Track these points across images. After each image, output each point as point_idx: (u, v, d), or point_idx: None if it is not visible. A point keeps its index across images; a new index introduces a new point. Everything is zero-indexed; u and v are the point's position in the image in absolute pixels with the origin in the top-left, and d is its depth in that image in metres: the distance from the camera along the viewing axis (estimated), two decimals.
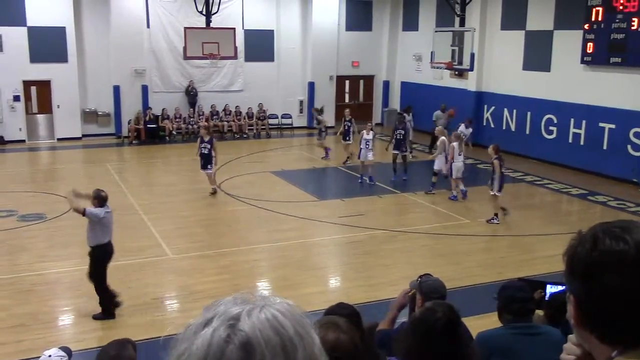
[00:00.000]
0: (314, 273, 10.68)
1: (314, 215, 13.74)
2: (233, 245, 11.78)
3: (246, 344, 0.94)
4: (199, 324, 1.00)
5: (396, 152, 16.60)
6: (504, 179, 13.36)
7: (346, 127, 18.38)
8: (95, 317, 8.65)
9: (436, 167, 15.46)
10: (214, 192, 15.11)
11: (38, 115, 21.87)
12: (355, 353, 2.52)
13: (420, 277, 4.63)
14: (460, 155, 14.73)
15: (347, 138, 18.41)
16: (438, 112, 20.41)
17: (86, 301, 9.11)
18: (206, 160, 15.07)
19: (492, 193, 13.14)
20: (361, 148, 16.27)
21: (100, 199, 8.59)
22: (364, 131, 16.35)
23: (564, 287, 1.32)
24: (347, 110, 19.54)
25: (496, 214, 13.17)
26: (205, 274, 10.35)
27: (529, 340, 3.99)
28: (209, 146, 15.04)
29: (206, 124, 18.71)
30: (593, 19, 16.90)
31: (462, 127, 18.48)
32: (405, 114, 19.62)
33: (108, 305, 8.71)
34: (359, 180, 16.47)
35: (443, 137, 15.49)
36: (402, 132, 16.68)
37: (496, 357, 3.97)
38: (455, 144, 14.76)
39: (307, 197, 15.26)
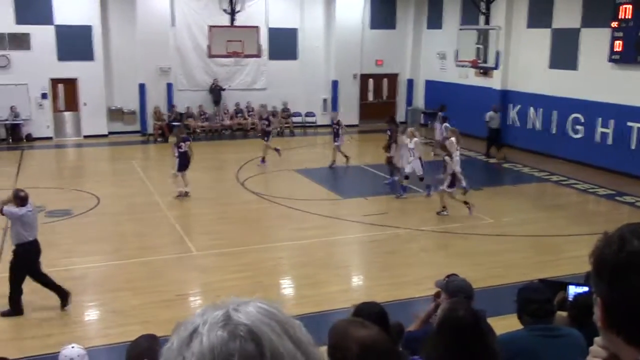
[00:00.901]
0: (337, 272, 10.69)
1: (337, 213, 13.74)
2: (256, 242, 11.83)
3: (253, 334, 0.93)
4: (182, 339, 0.96)
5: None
6: (455, 176, 13.50)
7: (335, 130, 18.04)
8: (3, 314, 8.61)
9: (408, 170, 14.80)
10: (181, 195, 14.49)
11: (65, 112, 22.19)
12: (389, 349, 2.54)
13: (448, 276, 4.63)
14: (457, 150, 14.11)
15: (336, 140, 17.89)
16: (491, 113, 19.73)
17: (112, 297, 9.22)
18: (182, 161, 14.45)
19: (441, 188, 13.51)
20: (402, 154, 15.29)
21: (19, 199, 8.52)
22: (404, 136, 15.28)
23: (587, 287, 1.30)
24: (334, 113, 19.48)
25: (444, 207, 13.50)
26: (229, 271, 10.41)
27: (551, 343, 3.95)
28: (267, 122, 16.55)
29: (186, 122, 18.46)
30: (621, 16, 16.64)
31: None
32: (443, 113, 19.36)
33: (16, 301, 8.65)
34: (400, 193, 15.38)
35: (417, 139, 14.89)
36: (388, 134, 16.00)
37: (519, 359, 3.93)
38: (452, 139, 14.32)
39: (330, 196, 15.26)
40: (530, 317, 4.07)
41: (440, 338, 3.10)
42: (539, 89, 20.09)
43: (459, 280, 4.49)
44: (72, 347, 5.11)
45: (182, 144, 14.50)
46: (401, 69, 26.36)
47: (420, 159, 14.88)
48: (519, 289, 4.33)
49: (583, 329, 4.09)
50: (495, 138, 19.78)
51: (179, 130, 15.68)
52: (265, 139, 18.08)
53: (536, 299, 4.11)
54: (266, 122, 18.24)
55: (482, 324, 3.13)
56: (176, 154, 14.47)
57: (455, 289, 4.25)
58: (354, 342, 2.32)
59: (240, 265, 10.63)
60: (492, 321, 4.36)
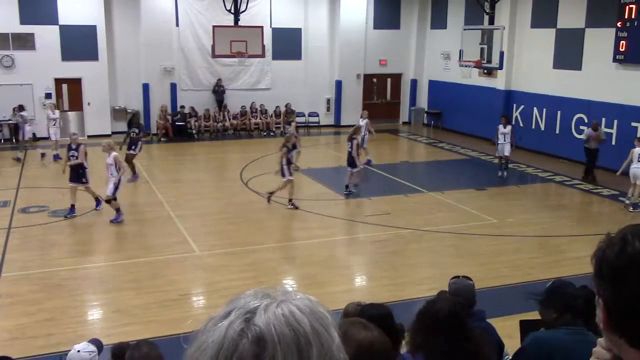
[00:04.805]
0: (340, 272, 10.68)
1: (340, 213, 13.73)
2: (259, 242, 11.83)
3: (259, 339, 0.94)
4: (219, 316, 1.00)
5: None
6: (288, 166, 14.09)
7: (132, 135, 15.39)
8: None
9: (109, 192, 12.68)
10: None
11: (69, 112, 22.24)
12: (389, 352, 2.54)
13: (452, 278, 4.61)
14: (371, 133, 18.44)
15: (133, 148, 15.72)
16: (589, 131, 16.85)
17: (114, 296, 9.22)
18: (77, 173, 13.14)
19: (284, 179, 13.87)
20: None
21: None
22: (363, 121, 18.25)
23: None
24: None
25: (291, 199, 13.89)
26: (232, 271, 10.41)
27: (583, 345, 3.72)
28: (76, 153, 13.03)
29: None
30: (626, 16, 16.60)
31: None
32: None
33: None
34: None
35: (115, 153, 12.73)
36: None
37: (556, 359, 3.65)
38: (365, 120, 18.38)
39: (334, 196, 15.25)
40: (571, 315, 3.71)
41: (420, 330, 3.18)
42: (543, 89, 20.04)
43: (459, 284, 4.45)
44: (78, 351, 4.95)
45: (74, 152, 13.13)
46: (405, 69, 26.33)
47: (118, 179, 12.71)
48: (552, 286, 3.91)
49: (589, 325, 4.02)
50: (593, 160, 16.79)
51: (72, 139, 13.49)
52: (134, 148, 15.76)
53: (578, 295, 3.76)
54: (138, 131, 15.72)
55: (460, 318, 3.17)
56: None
57: (453, 293, 4.22)
58: (351, 343, 2.31)
59: (243, 265, 10.63)
60: (495, 322, 4.36)
